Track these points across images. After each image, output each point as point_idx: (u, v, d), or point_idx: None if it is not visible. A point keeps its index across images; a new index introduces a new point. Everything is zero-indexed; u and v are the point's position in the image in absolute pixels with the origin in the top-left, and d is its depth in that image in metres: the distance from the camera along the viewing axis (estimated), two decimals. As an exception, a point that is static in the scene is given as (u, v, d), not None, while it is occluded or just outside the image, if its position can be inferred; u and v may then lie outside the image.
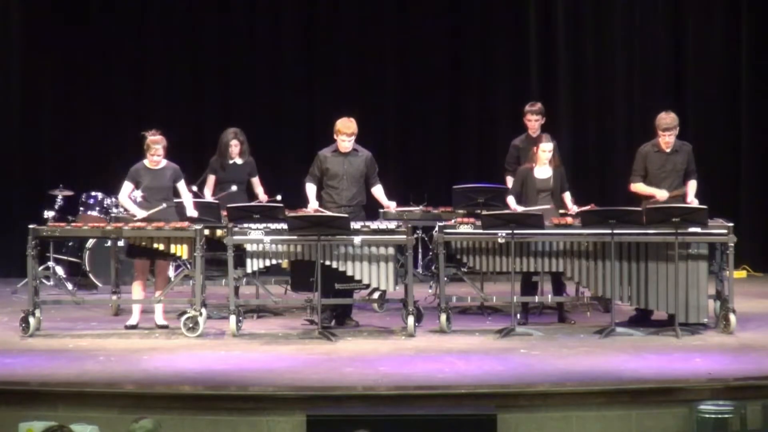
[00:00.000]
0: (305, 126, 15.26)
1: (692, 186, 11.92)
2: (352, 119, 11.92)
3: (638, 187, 11.99)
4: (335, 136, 11.90)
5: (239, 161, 12.87)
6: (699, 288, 11.36)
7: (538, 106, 12.80)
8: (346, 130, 11.84)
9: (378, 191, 12.05)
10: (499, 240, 11.38)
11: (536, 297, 12.09)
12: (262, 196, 12.86)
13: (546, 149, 11.91)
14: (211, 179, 12.80)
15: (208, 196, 12.65)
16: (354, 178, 11.92)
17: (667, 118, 11.89)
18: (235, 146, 12.84)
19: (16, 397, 9.30)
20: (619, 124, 15.28)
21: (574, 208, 11.86)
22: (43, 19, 15.28)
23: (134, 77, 15.39)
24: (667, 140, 11.85)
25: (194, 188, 12.57)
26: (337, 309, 11.93)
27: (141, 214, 11.70)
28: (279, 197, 12.83)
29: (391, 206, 12.09)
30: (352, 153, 11.94)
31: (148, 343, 11.24)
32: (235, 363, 10.38)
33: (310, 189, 11.94)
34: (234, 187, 12.69)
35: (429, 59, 15.40)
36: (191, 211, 11.83)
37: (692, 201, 11.76)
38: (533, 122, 12.70)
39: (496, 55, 15.44)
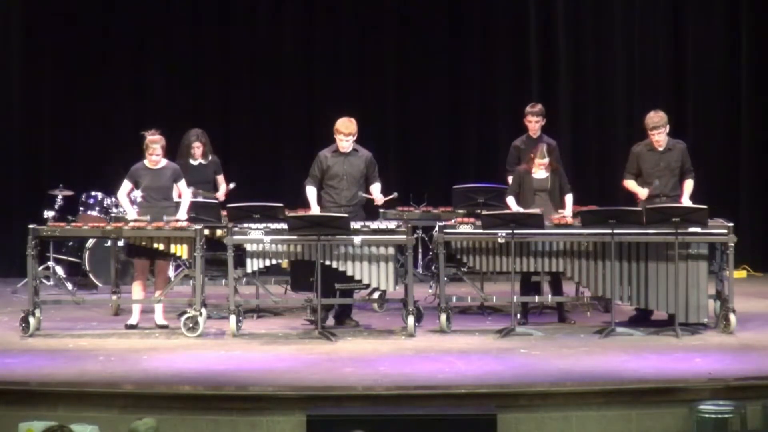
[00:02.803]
0: (305, 126, 15.25)
1: (688, 186, 11.95)
2: (353, 119, 11.91)
3: (628, 184, 12.06)
4: (335, 136, 11.90)
5: (203, 162, 12.93)
6: (699, 288, 11.36)
7: (539, 107, 12.80)
8: (344, 130, 11.83)
9: (374, 188, 11.98)
10: (499, 240, 11.38)
11: (536, 297, 12.08)
12: (221, 194, 12.93)
13: (541, 162, 11.90)
14: None
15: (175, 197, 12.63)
16: (354, 179, 11.91)
17: (655, 117, 11.91)
18: (197, 147, 12.90)
19: (16, 397, 9.30)
20: (619, 124, 15.28)
21: (568, 215, 11.79)
22: (43, 19, 15.28)
23: (134, 78, 15.40)
24: (657, 139, 11.87)
25: None
26: (336, 308, 11.92)
27: (132, 214, 11.74)
28: (232, 185, 12.90)
29: (378, 199, 11.94)
30: (352, 153, 11.93)
31: (148, 343, 11.24)
32: (235, 363, 10.38)
33: (311, 192, 11.91)
34: (198, 195, 12.71)
35: (429, 59, 15.40)
36: (183, 214, 11.80)
37: (686, 202, 11.77)
38: (533, 123, 12.70)
39: (496, 55, 15.44)
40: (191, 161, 12.90)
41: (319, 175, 11.92)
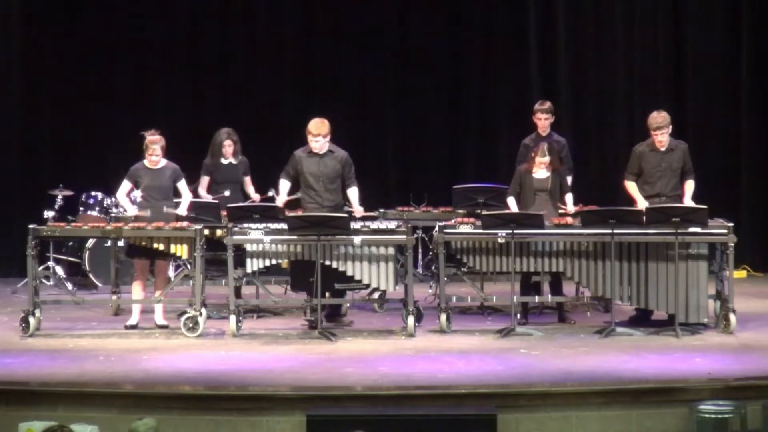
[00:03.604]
0: (305, 126, 15.20)
1: (689, 186, 11.96)
2: (325, 121, 11.88)
3: (629, 187, 12.04)
4: (307, 136, 11.88)
5: (234, 161, 12.88)
6: (699, 288, 11.36)
7: (548, 104, 12.79)
8: (314, 131, 11.82)
9: (352, 193, 11.96)
10: (499, 240, 11.39)
11: (536, 297, 12.08)
12: (254, 195, 12.86)
13: (542, 161, 11.89)
14: (205, 180, 12.76)
15: (204, 197, 12.63)
16: (330, 179, 11.88)
17: (658, 118, 11.92)
18: (228, 146, 12.84)
19: (16, 397, 9.30)
20: (619, 123, 15.28)
21: (571, 209, 11.83)
22: (43, 18, 15.28)
23: (134, 77, 15.40)
24: (660, 139, 11.89)
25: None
26: (327, 308, 11.87)
27: (132, 211, 11.77)
28: (271, 193, 12.88)
29: (359, 212, 11.89)
30: (328, 154, 11.91)
31: (148, 343, 11.24)
32: (235, 363, 10.38)
33: (283, 185, 11.98)
34: (227, 192, 12.67)
35: (429, 59, 15.40)
36: (182, 211, 11.81)
37: (689, 203, 11.77)
38: (543, 121, 12.69)
39: (496, 55, 15.43)
40: (222, 160, 12.83)
41: (293, 173, 11.95)
